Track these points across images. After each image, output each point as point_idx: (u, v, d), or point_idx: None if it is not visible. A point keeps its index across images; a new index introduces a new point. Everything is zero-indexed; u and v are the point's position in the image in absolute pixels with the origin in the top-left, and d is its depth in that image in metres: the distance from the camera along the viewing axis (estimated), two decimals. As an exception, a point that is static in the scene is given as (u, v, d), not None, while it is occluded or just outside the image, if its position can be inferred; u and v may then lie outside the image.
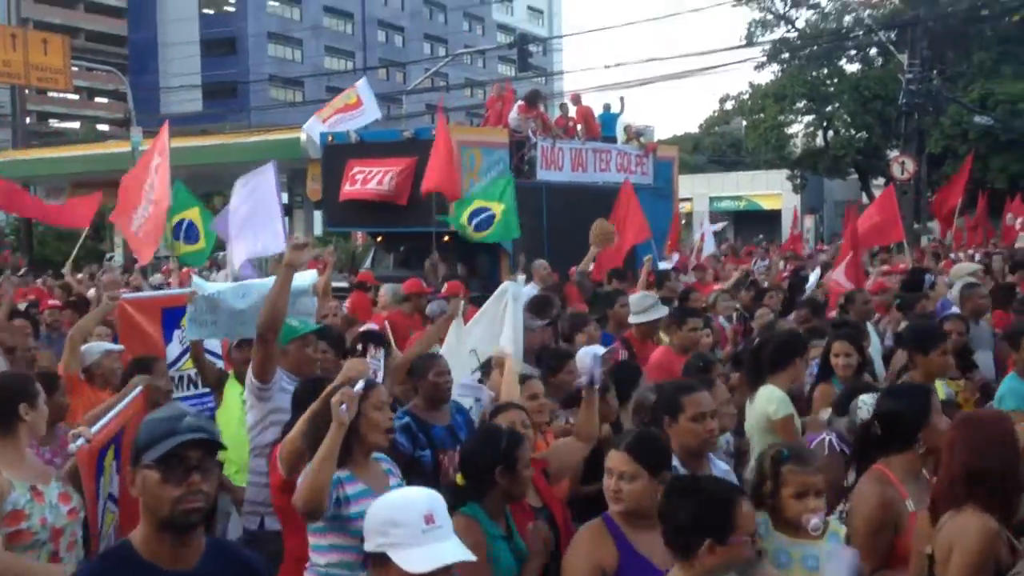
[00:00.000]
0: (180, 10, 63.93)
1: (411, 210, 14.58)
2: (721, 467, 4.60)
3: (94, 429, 4.25)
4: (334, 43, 71.28)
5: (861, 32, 40.02)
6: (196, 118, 49.33)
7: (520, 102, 16.72)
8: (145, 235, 11.12)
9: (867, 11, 42.18)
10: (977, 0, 38.82)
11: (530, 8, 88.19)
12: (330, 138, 16.27)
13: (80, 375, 6.33)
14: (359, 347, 6.04)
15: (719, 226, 25.60)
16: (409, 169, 14.77)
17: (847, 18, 43.59)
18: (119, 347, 6.80)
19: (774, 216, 50.52)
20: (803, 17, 46.16)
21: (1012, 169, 37.62)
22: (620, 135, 18.79)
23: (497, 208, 12.92)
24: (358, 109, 17.09)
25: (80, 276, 16.56)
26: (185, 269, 12.49)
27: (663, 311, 8.00)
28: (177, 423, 2.67)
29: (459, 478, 4.14)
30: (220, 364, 7.17)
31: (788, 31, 45.95)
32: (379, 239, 16.70)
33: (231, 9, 68.14)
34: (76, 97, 69.13)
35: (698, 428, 4.36)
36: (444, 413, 5.49)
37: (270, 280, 5.75)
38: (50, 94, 59.34)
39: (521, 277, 7.07)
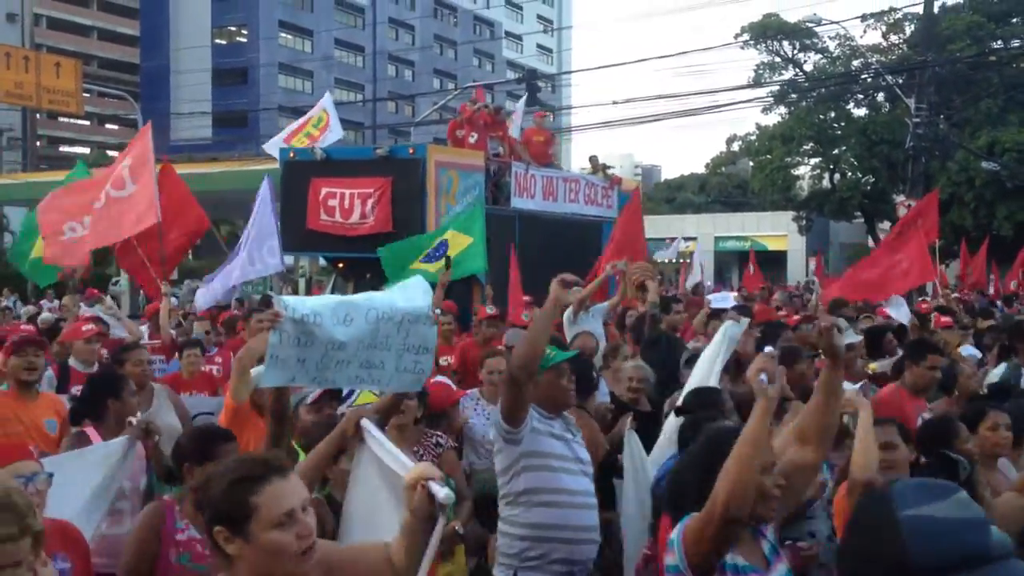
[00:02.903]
0: (192, 38, 64.48)
1: (382, 235, 13.24)
2: None
3: None
4: (344, 75, 71.77)
5: (869, 76, 40.25)
6: (205, 146, 49.58)
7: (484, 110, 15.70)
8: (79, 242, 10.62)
9: (875, 56, 42.46)
10: (984, 47, 39.10)
11: (539, 47, 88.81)
12: (291, 154, 14.61)
13: (249, 405, 5.61)
14: None
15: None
16: (386, 191, 13.53)
17: (855, 63, 43.86)
18: None
19: (779, 257, 50.53)
20: (811, 61, 46.49)
21: (1018, 217, 37.67)
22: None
23: (457, 238, 11.42)
24: (328, 128, 15.89)
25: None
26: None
27: (855, 337, 7.33)
28: (985, 535, 1.74)
29: None
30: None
31: (796, 74, 46.24)
32: (340, 265, 15.08)
33: (243, 40, 68.73)
34: (87, 123, 69.58)
35: None
36: None
37: (383, 299, 4.55)
38: (61, 119, 59.71)
39: (745, 320, 6.53)
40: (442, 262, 11.15)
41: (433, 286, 10.86)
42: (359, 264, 13.44)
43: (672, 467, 3.70)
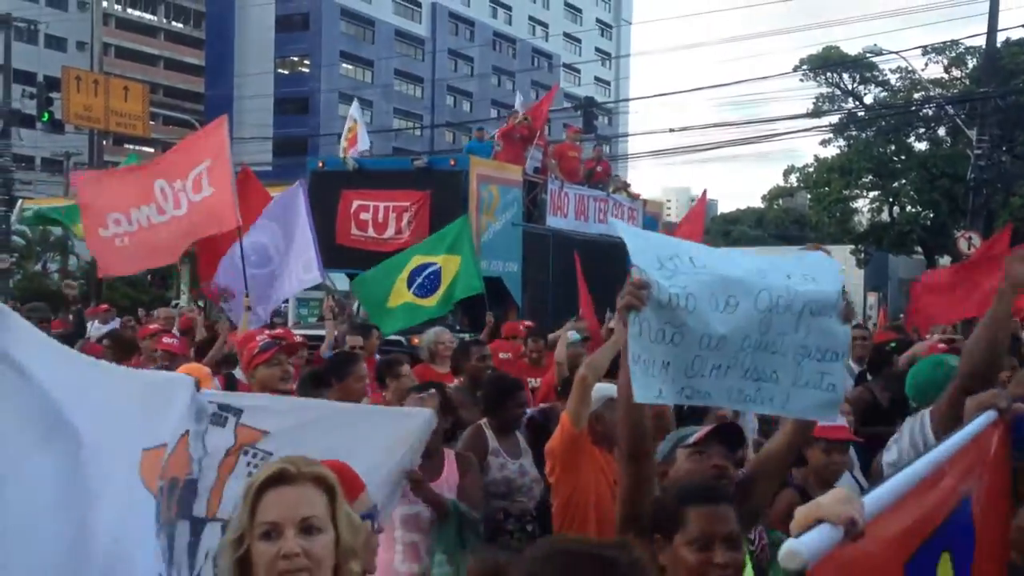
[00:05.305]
0: (256, 67, 65.83)
1: None
2: None
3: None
4: (403, 105, 72.69)
5: (930, 109, 39.79)
6: (266, 172, 50.41)
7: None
8: (138, 247, 9.45)
9: (937, 90, 42.00)
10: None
11: (597, 79, 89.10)
12: (320, 163, 14.01)
13: (588, 434, 4.62)
14: None
15: None
16: (424, 205, 12.78)
17: (916, 96, 43.41)
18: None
19: (836, 291, 49.89)
20: (871, 93, 46.11)
21: (1082, 253, 36.85)
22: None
23: (449, 262, 10.06)
24: (357, 138, 15.40)
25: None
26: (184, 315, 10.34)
27: None
28: None
29: None
30: None
31: (856, 106, 45.87)
32: None
33: (305, 70, 69.97)
34: (151, 149, 71.04)
35: None
36: None
37: (777, 276, 3.08)
38: (127, 144, 61.04)
39: None
40: (439, 294, 10.07)
41: (432, 321, 10.41)
42: None
43: None
